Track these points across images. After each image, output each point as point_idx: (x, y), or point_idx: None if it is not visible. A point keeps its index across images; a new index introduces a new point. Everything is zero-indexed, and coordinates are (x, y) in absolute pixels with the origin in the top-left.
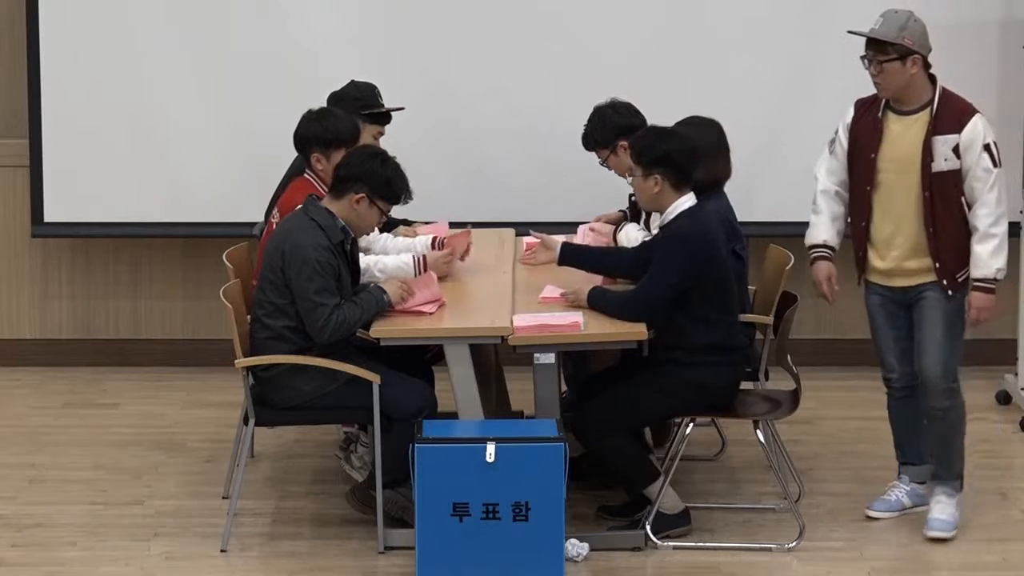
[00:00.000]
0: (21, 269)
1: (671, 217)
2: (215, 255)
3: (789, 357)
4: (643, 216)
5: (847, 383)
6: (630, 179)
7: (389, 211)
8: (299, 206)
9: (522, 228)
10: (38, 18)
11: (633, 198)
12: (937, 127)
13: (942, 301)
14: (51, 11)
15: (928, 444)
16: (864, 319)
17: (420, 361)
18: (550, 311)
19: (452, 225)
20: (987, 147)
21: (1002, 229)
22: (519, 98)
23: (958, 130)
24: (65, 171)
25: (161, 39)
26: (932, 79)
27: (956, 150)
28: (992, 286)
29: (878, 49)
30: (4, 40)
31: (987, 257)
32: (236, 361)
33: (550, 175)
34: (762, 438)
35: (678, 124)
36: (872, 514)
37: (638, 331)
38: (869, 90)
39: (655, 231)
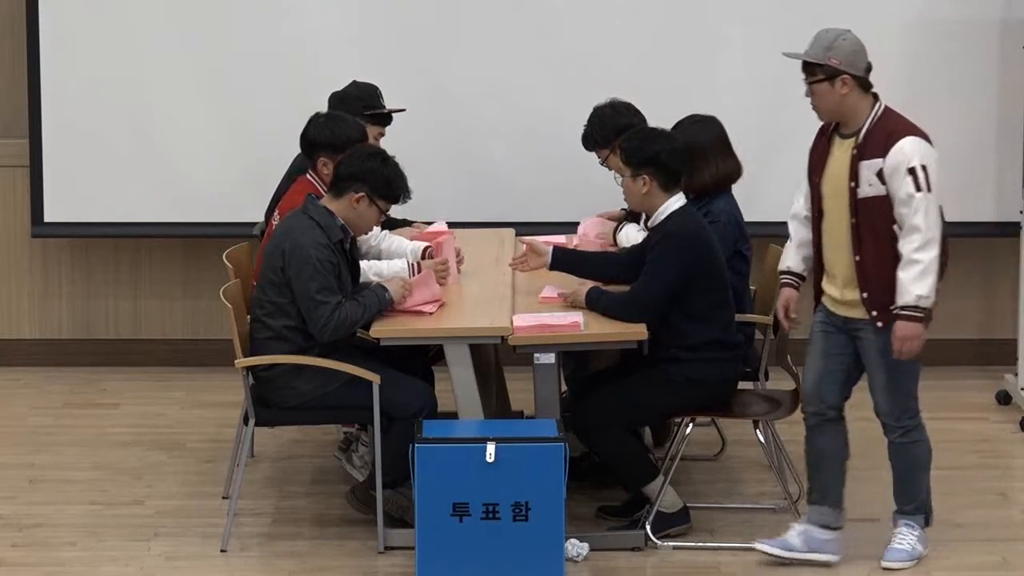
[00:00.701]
0: (21, 269)
1: (662, 218)
2: (215, 255)
3: (789, 357)
4: (643, 216)
5: None
6: (619, 180)
7: (388, 210)
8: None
9: (522, 228)
10: (38, 18)
11: None
12: (863, 151)
13: (876, 341)
14: (51, 11)
15: (893, 482)
16: None
17: (420, 361)
18: (550, 311)
19: (450, 225)
20: (912, 170)
21: (928, 255)
22: (519, 98)
23: (883, 154)
24: (65, 171)
25: (161, 39)
26: (877, 98)
27: (880, 175)
28: (916, 315)
29: (807, 70)
30: (4, 40)
31: (908, 283)
32: (236, 361)
33: (550, 175)
34: (762, 438)
35: (679, 123)
36: (759, 547)
37: (638, 331)
38: None
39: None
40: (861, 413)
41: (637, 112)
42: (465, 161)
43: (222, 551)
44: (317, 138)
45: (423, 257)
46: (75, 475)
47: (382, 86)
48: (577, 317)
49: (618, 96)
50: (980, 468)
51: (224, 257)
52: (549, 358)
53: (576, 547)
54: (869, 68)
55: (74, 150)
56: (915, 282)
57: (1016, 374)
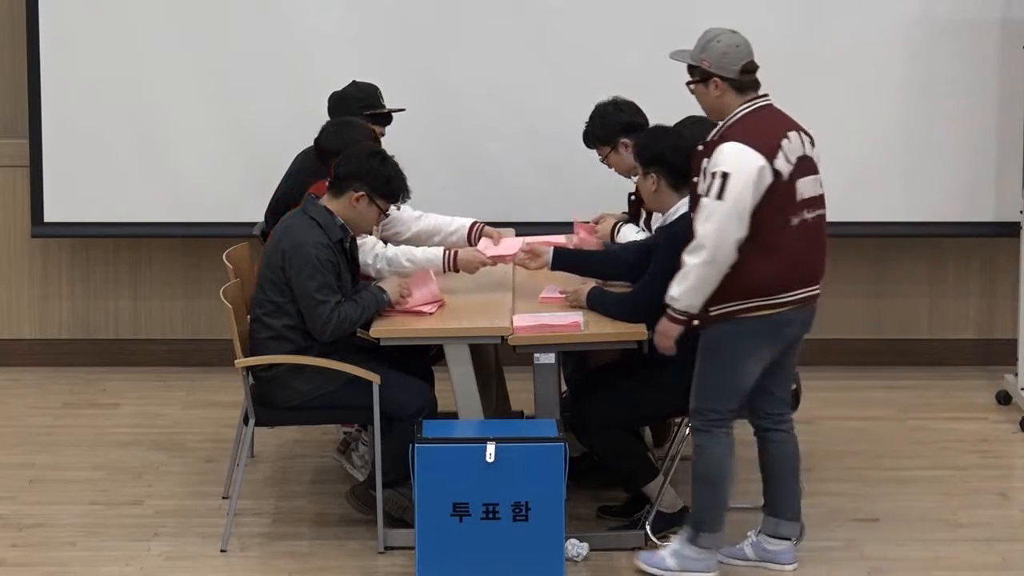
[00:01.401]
0: (21, 269)
1: (672, 218)
2: (215, 255)
3: None
4: (643, 216)
5: (847, 383)
6: (635, 178)
7: (388, 209)
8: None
9: (522, 228)
10: (38, 18)
11: (633, 197)
12: (704, 150)
13: (701, 336)
14: (51, 11)
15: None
16: (864, 319)
17: (420, 361)
18: (550, 311)
19: None
20: (713, 175)
21: (692, 260)
22: (519, 98)
23: (710, 154)
24: (65, 171)
25: (161, 39)
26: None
27: (704, 173)
28: (673, 315)
29: (688, 71)
30: (4, 40)
31: (672, 283)
32: (236, 361)
33: (550, 175)
34: None
35: (678, 124)
36: (718, 557)
37: (638, 331)
38: (870, 90)
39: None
40: (862, 412)
41: (640, 111)
42: (465, 161)
43: (222, 551)
44: (328, 144)
45: (469, 235)
46: (75, 475)
47: (382, 86)
48: (577, 317)
49: (619, 95)
50: (980, 468)
51: (224, 257)
52: (549, 358)
53: (576, 547)
54: (747, 69)
55: (74, 150)
56: (676, 282)
57: (1016, 374)
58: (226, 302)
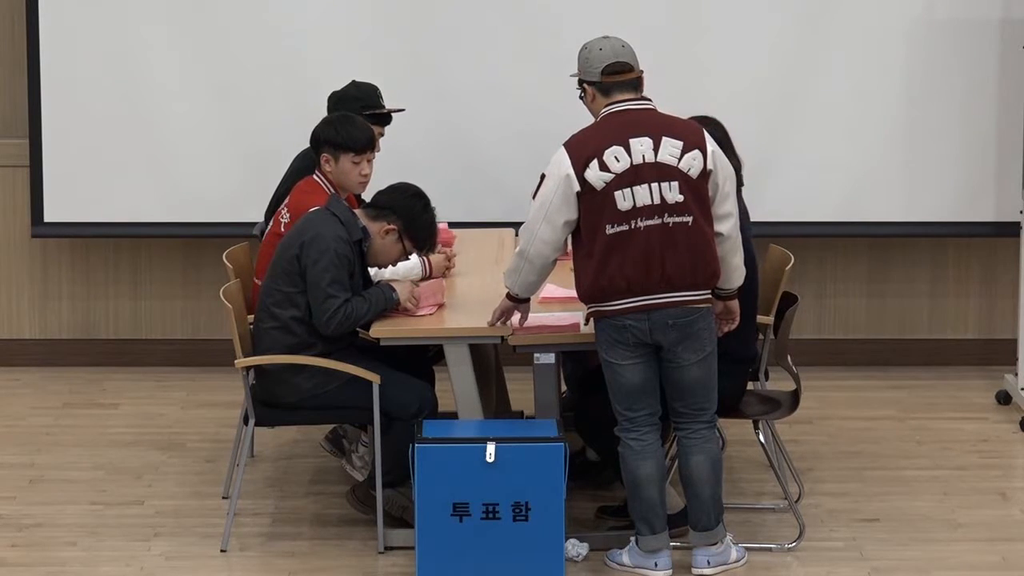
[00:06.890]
0: (21, 269)
1: None
2: (215, 255)
3: (789, 357)
4: None
5: (847, 383)
6: None
7: (412, 252)
8: (315, 207)
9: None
10: (38, 18)
11: None
12: None
13: None
14: (51, 11)
15: None
16: (865, 319)
17: (421, 361)
18: (550, 311)
19: (451, 225)
20: (542, 175)
21: (516, 250)
22: (519, 98)
23: None
24: (65, 171)
25: (161, 39)
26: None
27: None
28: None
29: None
30: (4, 40)
31: None
32: (236, 361)
33: None
34: (762, 438)
35: None
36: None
37: None
38: (870, 90)
39: None
40: (862, 412)
41: None
42: (465, 161)
43: (222, 551)
44: (320, 135)
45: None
46: (75, 475)
47: (382, 86)
48: (577, 317)
49: None
50: (980, 468)
51: (224, 257)
52: (549, 358)
53: (576, 547)
54: (609, 71)
55: (74, 150)
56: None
57: (1016, 374)
58: (226, 302)
